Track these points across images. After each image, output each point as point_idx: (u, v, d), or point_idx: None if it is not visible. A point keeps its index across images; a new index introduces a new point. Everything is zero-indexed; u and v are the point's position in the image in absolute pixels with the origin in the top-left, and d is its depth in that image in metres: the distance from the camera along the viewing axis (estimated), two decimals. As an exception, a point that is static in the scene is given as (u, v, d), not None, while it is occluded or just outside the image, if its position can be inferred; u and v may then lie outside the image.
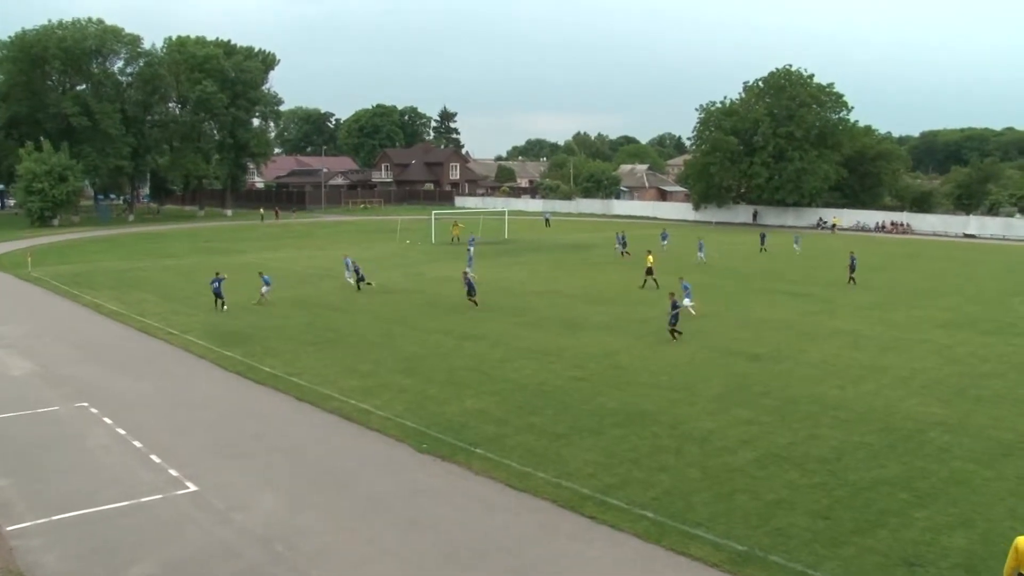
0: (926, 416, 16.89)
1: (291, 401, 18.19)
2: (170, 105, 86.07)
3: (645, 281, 35.26)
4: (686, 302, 26.44)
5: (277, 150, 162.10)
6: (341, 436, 15.96)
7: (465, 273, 32.30)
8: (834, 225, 77.15)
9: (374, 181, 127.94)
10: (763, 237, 53.27)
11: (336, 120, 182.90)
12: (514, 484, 13.36)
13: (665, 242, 52.61)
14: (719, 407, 17.57)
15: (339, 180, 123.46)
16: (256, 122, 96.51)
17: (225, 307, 29.00)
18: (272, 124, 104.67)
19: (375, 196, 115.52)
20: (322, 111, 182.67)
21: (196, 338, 24.57)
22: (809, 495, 12.89)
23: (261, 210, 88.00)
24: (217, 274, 29.99)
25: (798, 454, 14.64)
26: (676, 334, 23.74)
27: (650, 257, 36.30)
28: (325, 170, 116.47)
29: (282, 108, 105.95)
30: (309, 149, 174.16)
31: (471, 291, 29.77)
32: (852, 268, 36.77)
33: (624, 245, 48.20)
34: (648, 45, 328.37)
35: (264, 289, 30.72)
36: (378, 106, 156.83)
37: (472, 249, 44.41)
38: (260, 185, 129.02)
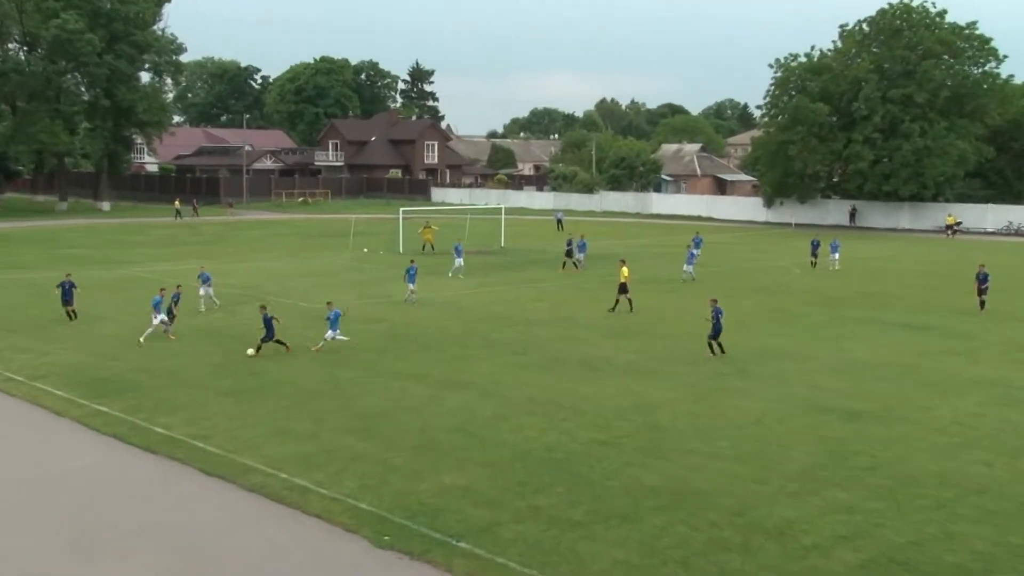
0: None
1: (193, 476, 18.13)
2: (9, 47, 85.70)
3: (617, 302, 36.35)
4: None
5: (177, 118, 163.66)
6: (266, 526, 15.87)
7: (413, 289, 37.35)
8: (954, 226, 76.90)
9: (318, 165, 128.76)
10: (815, 245, 52.55)
11: (263, 79, 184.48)
12: (512, 595, 13.30)
13: (697, 250, 52.40)
14: (804, 487, 17.50)
15: (268, 163, 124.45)
16: (145, 78, 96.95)
17: (168, 330, 30.50)
18: (169, 81, 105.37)
19: (319, 186, 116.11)
20: (242, 65, 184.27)
21: (51, 386, 24.52)
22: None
23: (177, 203, 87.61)
24: (178, 287, 32.73)
25: (924, 560, 14.54)
26: (716, 348, 24.10)
27: (625, 270, 36.81)
28: (248, 148, 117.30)
29: (184, 59, 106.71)
30: (224, 118, 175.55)
31: (269, 334, 28.13)
32: (981, 288, 37.00)
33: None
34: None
35: (203, 291, 34.12)
36: (323, 60, 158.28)
37: (458, 260, 45.60)
38: (153, 168, 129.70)
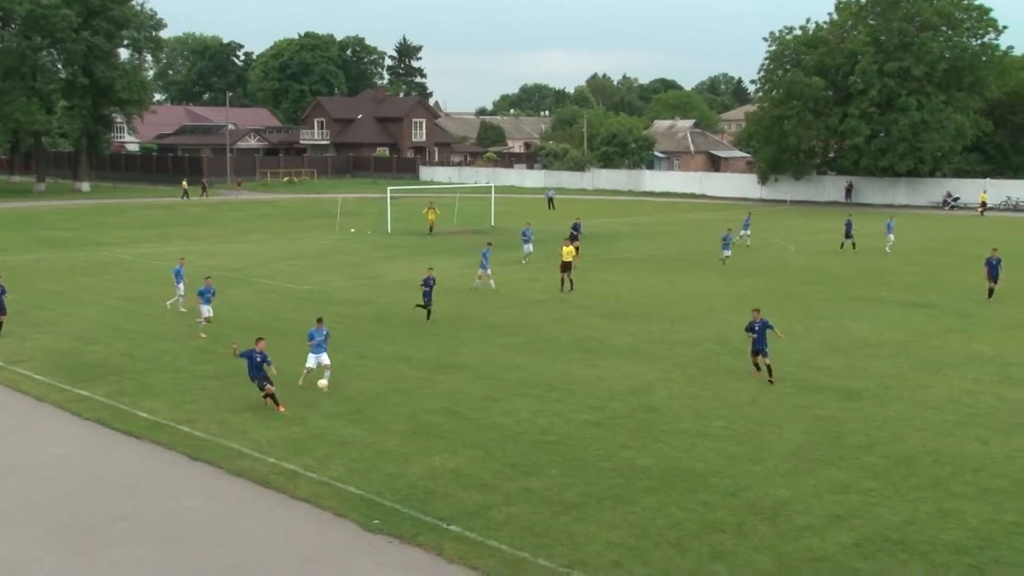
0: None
1: (180, 461, 18.17)
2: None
3: (563, 280, 36.49)
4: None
5: (158, 97, 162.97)
6: (254, 512, 15.94)
7: (481, 276, 36.09)
8: (982, 205, 75.57)
9: (303, 143, 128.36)
10: (849, 226, 50.98)
11: (246, 55, 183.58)
12: (504, 577, 13.39)
13: (747, 231, 53.14)
14: (799, 466, 17.65)
15: (252, 141, 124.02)
16: (125, 54, 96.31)
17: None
18: (150, 58, 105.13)
19: (305, 165, 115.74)
20: (225, 41, 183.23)
21: (33, 371, 24.48)
22: (933, 595, 13.02)
23: (184, 183, 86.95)
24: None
25: (920, 538, 14.70)
26: (763, 365, 23.44)
27: (568, 248, 36.74)
28: (231, 126, 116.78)
29: (164, 35, 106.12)
30: (207, 96, 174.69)
31: (428, 301, 30.53)
32: (992, 275, 34.92)
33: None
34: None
35: (179, 290, 31.71)
36: (307, 36, 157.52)
37: (527, 247, 44.77)
38: (134, 147, 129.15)
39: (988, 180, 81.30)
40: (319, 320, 23.37)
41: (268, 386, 20.83)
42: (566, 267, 36.31)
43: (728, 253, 44.42)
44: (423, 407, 21.23)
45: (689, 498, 16.08)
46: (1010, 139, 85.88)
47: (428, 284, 30.50)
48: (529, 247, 44.72)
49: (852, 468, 17.55)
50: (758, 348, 23.40)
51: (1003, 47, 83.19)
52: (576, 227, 49.10)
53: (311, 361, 22.68)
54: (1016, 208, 77.79)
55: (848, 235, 50.37)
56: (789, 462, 17.86)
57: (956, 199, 79.96)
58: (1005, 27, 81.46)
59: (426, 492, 16.32)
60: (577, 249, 45.98)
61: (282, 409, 20.64)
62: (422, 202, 63.57)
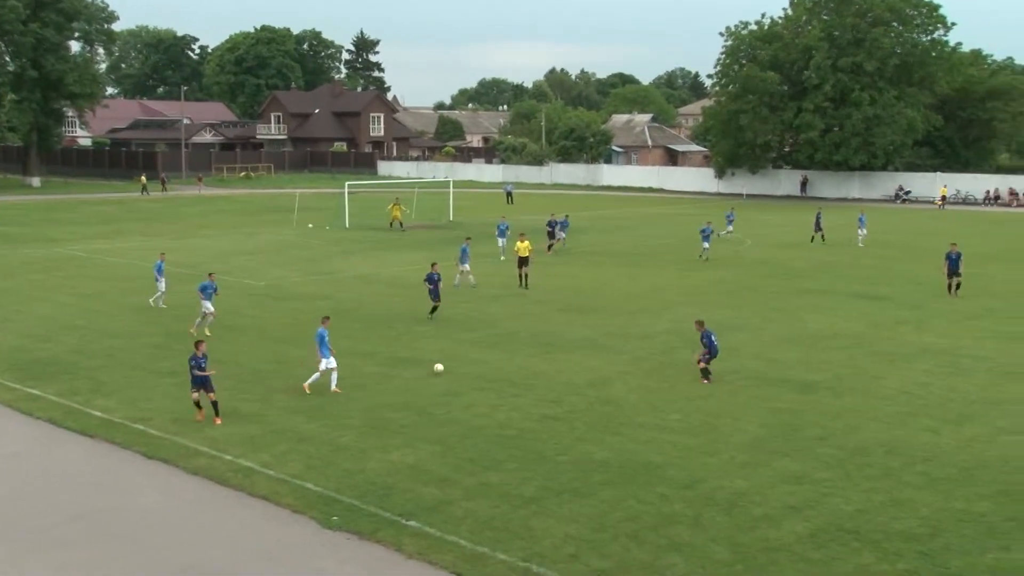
0: (1063, 472, 17.29)
1: (135, 460, 17.99)
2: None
3: (522, 277, 36.11)
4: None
5: (111, 90, 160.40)
6: (211, 510, 15.83)
7: (461, 271, 35.40)
8: (943, 199, 76.74)
9: (260, 138, 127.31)
10: (818, 218, 51.96)
11: (201, 48, 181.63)
12: (464, 572, 13.39)
13: (730, 227, 53.55)
14: (755, 458, 17.84)
15: (207, 136, 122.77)
16: (76, 47, 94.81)
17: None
18: (102, 51, 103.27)
19: (262, 160, 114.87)
20: (179, 34, 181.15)
21: (-13, 369, 24.13)
22: (884, 581, 13.16)
23: (143, 178, 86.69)
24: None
25: (872, 527, 14.93)
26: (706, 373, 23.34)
27: (524, 244, 36.34)
28: (186, 121, 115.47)
29: (117, 28, 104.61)
30: (161, 90, 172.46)
31: (435, 296, 30.10)
32: (952, 270, 34.71)
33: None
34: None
35: (160, 287, 31.54)
36: (264, 29, 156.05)
37: (501, 241, 44.04)
38: (86, 142, 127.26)
39: (938, 174, 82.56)
40: (325, 319, 22.82)
41: (204, 394, 19.70)
42: (522, 262, 36.26)
43: (707, 246, 43.88)
44: (381, 402, 21.17)
45: (646, 491, 16.18)
46: (959, 134, 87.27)
47: (432, 280, 29.91)
48: (503, 241, 44.29)
49: (807, 459, 17.76)
50: (713, 355, 23.02)
51: (952, 43, 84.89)
52: (551, 224, 47.91)
53: (324, 364, 21.92)
54: (966, 201, 79.04)
55: (818, 227, 51.01)
56: (745, 454, 18.04)
57: (908, 192, 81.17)
58: (953, 24, 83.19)
59: (385, 488, 16.29)
60: (550, 247, 45.69)
61: (218, 422, 19.60)
62: (380, 197, 63.34)
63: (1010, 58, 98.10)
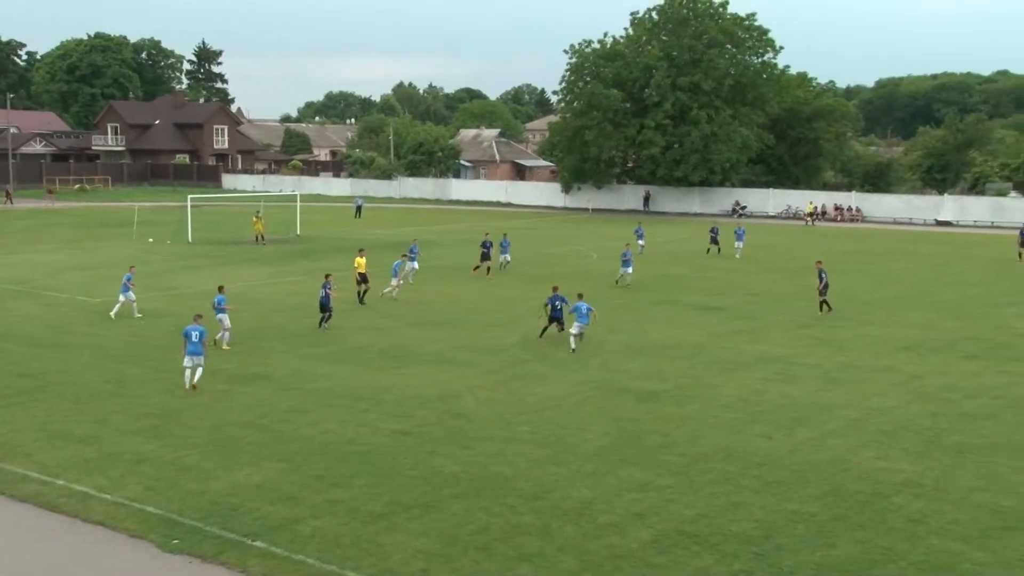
0: (889, 475, 18.08)
1: (-42, 487, 16.96)
2: None
3: (360, 289, 35.80)
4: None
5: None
6: (42, 539, 15.08)
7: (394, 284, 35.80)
8: (811, 214, 78.87)
9: (96, 149, 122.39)
10: (715, 232, 53.32)
11: (29, 55, 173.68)
12: (311, 592, 13.19)
13: (641, 242, 52.81)
14: (600, 467, 18.15)
15: (37, 146, 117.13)
16: None
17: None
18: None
19: (98, 172, 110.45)
20: (4, 39, 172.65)
21: None
22: (723, 581, 13.56)
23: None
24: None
25: (711, 531, 15.39)
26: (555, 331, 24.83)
27: (361, 259, 36.26)
28: (13, 130, 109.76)
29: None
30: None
31: (324, 308, 30.57)
32: (823, 288, 34.40)
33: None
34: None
35: (127, 298, 31.86)
36: (98, 36, 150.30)
37: (412, 264, 40.83)
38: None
39: (771, 190, 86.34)
40: (198, 317, 23.72)
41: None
42: (362, 278, 35.87)
43: (628, 270, 41.53)
44: (226, 420, 20.63)
45: (496, 503, 16.27)
46: (789, 152, 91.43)
47: (486, 245, 33.07)
48: (414, 264, 40.94)
49: (651, 467, 18.20)
50: (555, 316, 27.70)
51: (781, 66, 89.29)
52: (485, 244, 44.53)
53: (188, 361, 22.87)
54: (796, 216, 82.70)
55: (714, 241, 53.01)
56: (592, 463, 18.35)
57: (744, 208, 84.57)
58: (781, 47, 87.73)
59: (230, 508, 15.86)
60: (484, 266, 43.50)
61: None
62: (225, 210, 61.75)
63: (832, 81, 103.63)
